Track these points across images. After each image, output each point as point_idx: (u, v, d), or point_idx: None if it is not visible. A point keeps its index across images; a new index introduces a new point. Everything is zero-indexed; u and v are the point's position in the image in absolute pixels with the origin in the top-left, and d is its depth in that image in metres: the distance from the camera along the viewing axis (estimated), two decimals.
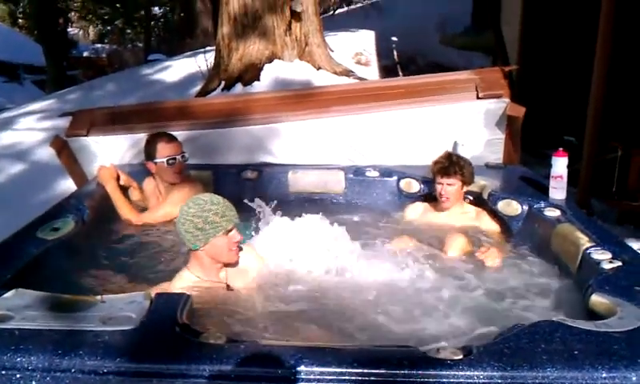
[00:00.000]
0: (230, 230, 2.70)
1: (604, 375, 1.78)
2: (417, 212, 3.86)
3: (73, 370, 1.85)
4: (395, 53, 11.36)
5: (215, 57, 8.44)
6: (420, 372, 1.78)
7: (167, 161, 3.78)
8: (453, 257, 3.22)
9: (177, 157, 3.80)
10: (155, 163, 3.81)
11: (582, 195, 5.74)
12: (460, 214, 3.70)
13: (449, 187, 3.60)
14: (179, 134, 4.01)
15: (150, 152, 3.83)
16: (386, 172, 4.23)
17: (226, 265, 2.79)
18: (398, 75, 10.14)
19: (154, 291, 2.40)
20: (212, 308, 2.59)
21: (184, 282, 2.72)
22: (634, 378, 1.77)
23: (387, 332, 2.47)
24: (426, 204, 3.87)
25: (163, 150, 3.79)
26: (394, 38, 12.19)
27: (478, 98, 4.22)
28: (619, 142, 5.90)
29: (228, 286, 2.78)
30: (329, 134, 4.44)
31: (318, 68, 8.13)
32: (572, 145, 6.23)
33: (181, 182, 3.82)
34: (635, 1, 6.48)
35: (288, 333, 2.45)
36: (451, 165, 3.59)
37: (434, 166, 3.66)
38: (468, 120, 4.23)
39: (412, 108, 4.35)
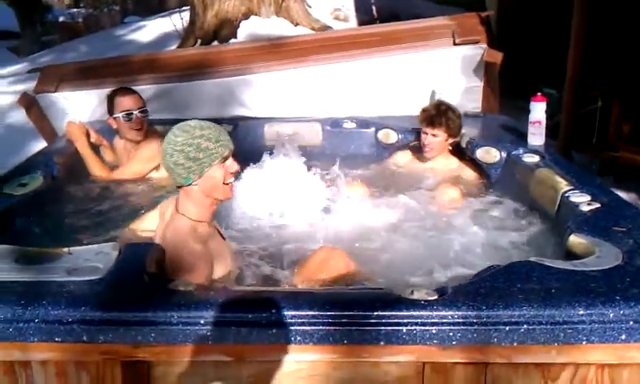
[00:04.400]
0: (227, 158, 2.33)
1: (581, 312, 1.74)
2: (406, 158, 3.82)
3: (36, 320, 1.79)
4: (374, 8, 11.18)
5: (190, 14, 8.28)
6: (393, 313, 1.73)
7: (124, 115, 3.62)
8: (442, 205, 3.21)
9: (134, 111, 3.62)
10: (115, 118, 3.68)
11: (562, 147, 5.70)
12: (446, 163, 3.69)
13: (432, 138, 3.55)
14: (149, 88, 3.90)
15: (109, 107, 3.69)
16: (364, 123, 4.17)
17: (220, 201, 2.43)
18: None
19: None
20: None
21: (178, 224, 2.32)
22: (611, 315, 1.74)
23: (369, 276, 2.45)
24: (413, 152, 3.84)
25: (120, 105, 3.63)
26: None
27: (454, 44, 4.15)
28: (599, 91, 5.86)
29: (219, 230, 2.51)
30: (304, 84, 4.36)
31: (296, 24, 8.00)
32: (552, 96, 6.21)
33: (145, 139, 3.69)
34: None
35: (273, 279, 2.43)
36: (437, 115, 3.53)
37: (421, 114, 3.60)
38: (445, 67, 4.17)
39: (388, 56, 4.28)
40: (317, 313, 1.74)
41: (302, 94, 4.39)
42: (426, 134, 3.56)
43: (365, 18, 10.37)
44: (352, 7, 10.46)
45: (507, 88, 5.24)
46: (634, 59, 6.24)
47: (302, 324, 1.74)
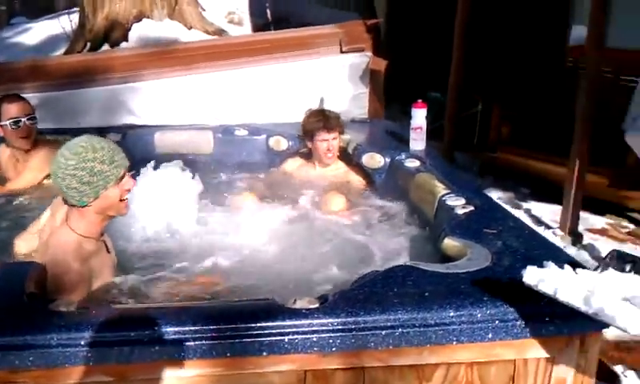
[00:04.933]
0: (123, 177, 2.27)
1: (451, 314, 1.84)
2: (295, 165, 3.87)
3: None
4: (269, 12, 11.22)
5: (80, 16, 7.99)
6: (275, 323, 1.78)
7: (11, 123, 3.49)
8: (329, 213, 3.29)
9: (22, 119, 3.49)
10: (1, 126, 3.53)
11: (446, 149, 5.99)
12: (335, 169, 3.76)
13: (334, 141, 3.64)
14: (34, 96, 3.75)
15: None
16: (255, 130, 4.20)
17: (112, 217, 2.38)
18: None
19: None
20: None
21: (63, 239, 2.26)
22: (478, 315, 1.85)
23: (251, 288, 2.48)
24: (303, 159, 3.88)
25: (7, 112, 3.49)
26: None
27: (341, 51, 4.26)
28: (480, 96, 6.18)
29: (106, 245, 2.45)
30: (195, 91, 4.36)
31: (190, 27, 7.89)
32: (437, 100, 6.49)
33: (35, 147, 3.58)
34: None
35: (156, 293, 2.39)
36: (332, 119, 3.63)
37: (314, 124, 3.64)
38: (332, 74, 4.29)
39: (278, 63, 4.35)
40: (200, 327, 1.76)
41: (193, 102, 4.38)
42: (327, 140, 3.63)
43: (259, 22, 10.39)
44: (246, 11, 10.45)
45: (396, 93, 5.44)
46: (513, 65, 6.65)
47: (185, 339, 1.75)
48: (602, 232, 4.88)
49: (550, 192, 5.15)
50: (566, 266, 1.88)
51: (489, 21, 6.86)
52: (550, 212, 5.00)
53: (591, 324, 1.79)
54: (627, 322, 1.65)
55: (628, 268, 1.96)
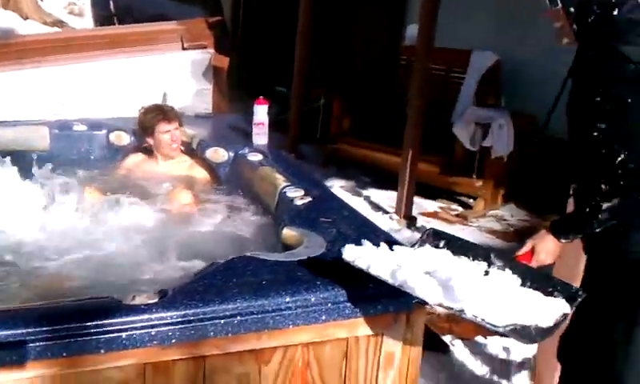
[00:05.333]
0: None
1: (287, 299, 1.94)
2: (137, 160, 3.82)
3: None
4: (112, 3, 10.84)
5: None
6: (113, 320, 1.79)
7: None
8: (175, 208, 3.28)
9: None
10: None
11: (291, 142, 6.17)
12: (178, 164, 3.75)
13: (176, 131, 3.62)
14: None
15: None
16: (95, 125, 4.07)
17: None
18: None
19: None
20: None
21: None
22: (312, 299, 1.96)
23: (94, 286, 2.45)
24: (145, 155, 3.83)
25: None
26: None
27: (183, 48, 4.27)
28: (323, 89, 6.42)
29: None
30: (30, 86, 4.15)
31: (26, 18, 7.51)
32: (283, 95, 6.66)
33: None
34: None
35: None
36: (169, 111, 3.63)
37: (153, 118, 3.61)
38: (175, 70, 4.28)
39: (119, 58, 4.27)
40: (34, 329, 1.73)
41: (30, 97, 4.17)
42: (169, 131, 3.61)
43: (101, 14, 10.02)
44: (87, 1, 10.05)
45: (247, 88, 5.52)
46: (353, 61, 6.96)
47: (21, 342, 1.71)
48: (434, 215, 5.29)
49: (387, 180, 5.48)
50: (382, 244, 2.06)
51: (331, 18, 7.13)
52: (387, 198, 5.33)
53: (413, 300, 1.97)
54: (425, 293, 1.86)
55: (442, 244, 2.19)
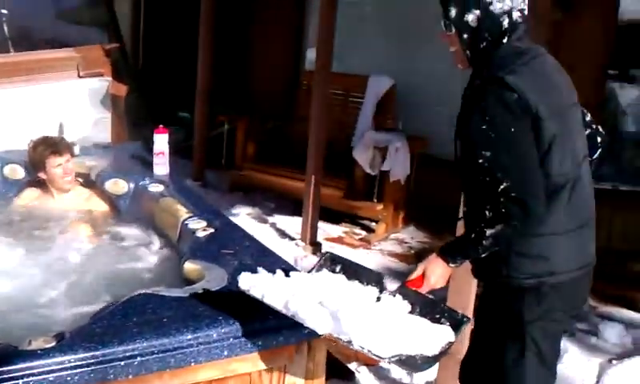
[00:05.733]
0: None
1: (189, 337, 1.94)
2: (32, 196, 3.68)
3: None
4: (5, 27, 10.38)
5: None
6: (9, 368, 1.73)
7: None
8: (72, 243, 3.18)
9: None
10: None
11: (196, 168, 6.13)
12: (75, 197, 3.64)
13: (69, 164, 3.52)
14: None
15: None
16: None
17: None
18: (9, 51, 9.32)
19: None
20: None
21: None
22: (214, 335, 1.96)
23: None
24: (40, 190, 3.70)
25: None
26: (4, 11, 11.09)
27: (79, 76, 4.18)
28: (228, 115, 6.41)
29: None
30: None
31: None
32: (187, 120, 6.62)
33: None
34: None
35: None
36: (58, 143, 3.54)
37: (43, 152, 3.50)
38: (71, 99, 4.17)
39: (13, 87, 4.11)
40: None
41: None
42: (61, 164, 3.51)
43: None
44: None
45: (150, 114, 5.45)
46: (257, 86, 7.01)
47: None
48: (339, 240, 5.38)
49: (292, 205, 5.53)
50: (278, 271, 2.08)
51: (232, 43, 7.15)
52: (293, 224, 5.37)
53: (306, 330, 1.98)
54: (316, 324, 1.89)
55: (338, 269, 2.25)
